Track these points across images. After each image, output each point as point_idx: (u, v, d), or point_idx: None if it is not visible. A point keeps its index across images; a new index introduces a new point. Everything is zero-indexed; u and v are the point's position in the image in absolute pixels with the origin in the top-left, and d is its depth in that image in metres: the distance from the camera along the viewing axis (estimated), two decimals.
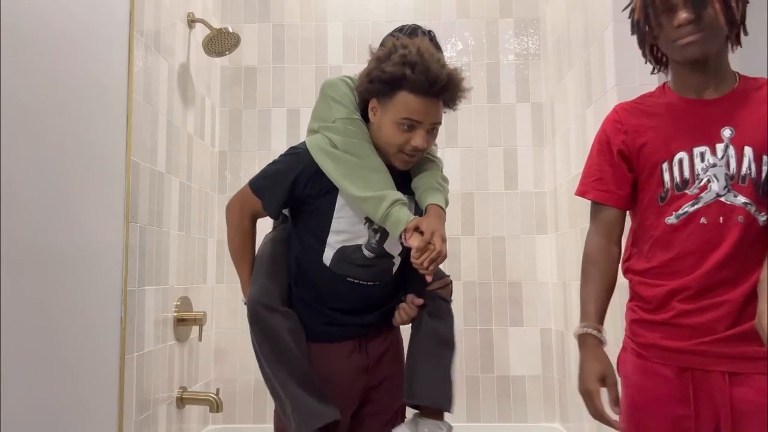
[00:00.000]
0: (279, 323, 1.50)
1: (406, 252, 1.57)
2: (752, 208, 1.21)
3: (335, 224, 1.52)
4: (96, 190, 1.87)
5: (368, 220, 1.53)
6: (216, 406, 2.50)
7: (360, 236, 1.53)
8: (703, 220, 1.23)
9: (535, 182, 3.03)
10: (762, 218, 1.21)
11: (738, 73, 1.30)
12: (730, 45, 1.30)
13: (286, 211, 1.67)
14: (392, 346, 1.66)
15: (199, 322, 2.52)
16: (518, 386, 2.90)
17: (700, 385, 1.21)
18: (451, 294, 1.67)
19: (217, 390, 2.55)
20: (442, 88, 1.44)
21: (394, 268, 1.61)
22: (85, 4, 1.82)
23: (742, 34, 1.29)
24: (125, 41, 2.08)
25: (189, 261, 2.67)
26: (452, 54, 3.14)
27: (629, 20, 1.35)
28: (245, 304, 1.58)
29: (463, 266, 2.99)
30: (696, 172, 1.24)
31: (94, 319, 1.84)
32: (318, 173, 1.50)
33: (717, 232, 1.22)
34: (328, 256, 1.53)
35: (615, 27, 2.03)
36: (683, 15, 1.20)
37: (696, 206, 1.24)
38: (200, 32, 2.81)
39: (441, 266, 1.56)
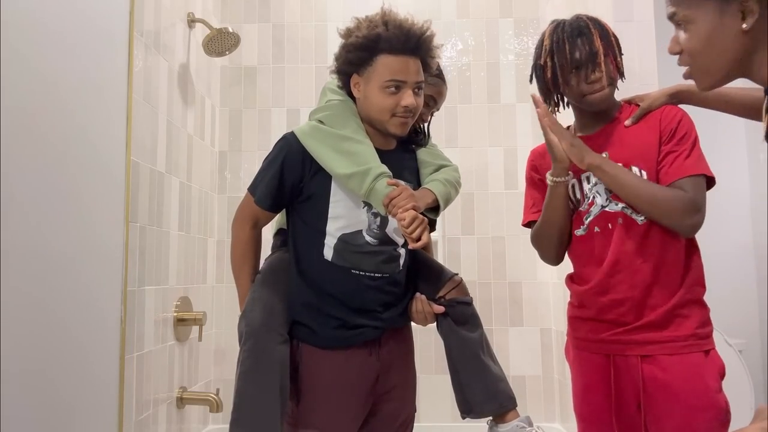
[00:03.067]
0: (277, 357, 1.44)
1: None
2: (629, 211, 1.44)
3: (332, 209, 1.50)
4: (96, 190, 1.87)
5: (366, 204, 1.50)
6: (216, 406, 2.50)
7: (359, 222, 1.51)
8: (596, 228, 1.49)
9: None
10: (640, 218, 1.43)
11: (622, 102, 1.55)
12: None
13: (282, 218, 1.64)
14: (405, 352, 1.64)
15: (199, 322, 2.52)
16: (518, 386, 2.89)
17: (621, 367, 1.44)
18: (467, 291, 1.64)
19: (217, 390, 2.55)
20: (417, 44, 1.47)
21: (401, 260, 1.58)
22: (84, 4, 1.82)
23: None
24: (125, 41, 2.08)
25: (189, 261, 2.67)
26: (452, 54, 3.15)
27: (533, 72, 1.58)
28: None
29: (463, 266, 2.99)
30: (585, 192, 1.51)
31: (94, 319, 1.84)
32: (306, 153, 1.49)
33: (607, 237, 1.47)
34: (329, 250, 1.50)
35: (614, 27, 2.02)
36: (596, 74, 1.44)
37: (589, 219, 1.49)
38: (200, 32, 2.81)
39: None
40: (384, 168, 1.47)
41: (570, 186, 1.52)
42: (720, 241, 1.48)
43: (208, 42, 2.69)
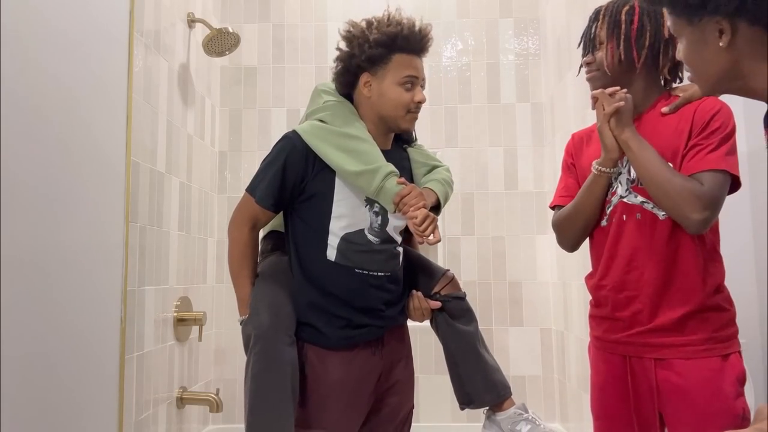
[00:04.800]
0: (287, 359, 1.44)
1: (405, 236, 1.64)
2: (649, 206, 1.40)
3: (336, 208, 1.51)
4: (96, 190, 1.87)
5: (369, 203, 1.53)
6: (216, 406, 2.50)
7: (362, 221, 1.53)
8: (613, 219, 1.45)
9: (535, 182, 3.03)
10: (662, 213, 1.38)
11: (669, 91, 1.48)
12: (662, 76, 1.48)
13: (277, 220, 1.64)
14: (404, 349, 1.66)
15: (199, 322, 2.52)
16: (518, 386, 2.90)
17: (637, 369, 1.42)
18: (459, 286, 1.67)
19: (217, 390, 2.55)
20: (425, 44, 1.57)
21: (400, 258, 1.61)
22: (85, 4, 1.82)
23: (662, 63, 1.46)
24: (125, 41, 2.08)
25: (189, 261, 2.67)
26: (452, 54, 3.15)
27: None
28: (241, 323, 1.52)
29: (463, 266, 2.99)
30: (611, 181, 1.47)
31: (94, 319, 1.84)
32: (309, 152, 1.51)
33: (619, 229, 1.44)
34: (332, 251, 1.51)
35: None
36: (585, 58, 1.51)
37: (609, 209, 1.46)
38: (200, 32, 2.81)
39: (441, 264, 1.57)
40: (392, 167, 1.51)
41: None
42: (720, 240, 1.46)
43: (208, 42, 2.69)
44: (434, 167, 1.70)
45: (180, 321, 2.47)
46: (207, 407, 2.66)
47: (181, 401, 2.50)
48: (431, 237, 1.45)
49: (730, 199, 1.51)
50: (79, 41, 1.79)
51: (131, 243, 2.06)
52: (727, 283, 1.48)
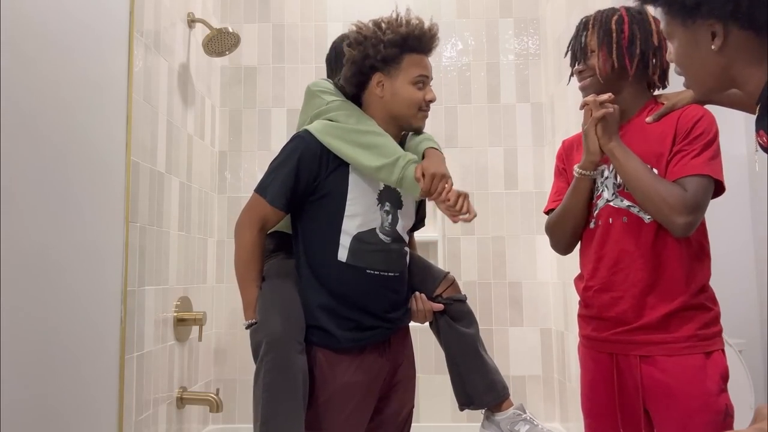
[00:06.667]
0: (299, 367, 1.43)
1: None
2: (635, 210, 1.44)
3: (350, 207, 1.51)
4: (96, 190, 1.87)
5: (380, 201, 1.54)
6: (216, 406, 2.50)
7: (374, 220, 1.53)
8: (599, 222, 1.49)
9: (535, 182, 3.03)
10: (647, 217, 1.42)
11: (655, 98, 1.52)
12: (654, 82, 1.51)
13: (285, 220, 1.62)
14: (408, 350, 1.67)
15: (199, 322, 2.52)
16: (518, 386, 2.90)
17: (623, 367, 1.45)
18: (460, 289, 1.68)
19: (217, 390, 2.56)
20: (433, 44, 1.60)
21: (407, 258, 1.63)
22: (85, 4, 1.82)
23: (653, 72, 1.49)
24: (125, 41, 2.08)
25: (189, 261, 2.67)
26: (452, 54, 3.15)
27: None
28: (247, 328, 1.51)
29: (463, 266, 2.99)
30: (597, 185, 1.51)
31: (94, 319, 1.84)
32: (323, 151, 1.51)
33: (606, 232, 1.48)
34: (343, 251, 1.50)
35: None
36: (577, 66, 1.54)
37: (596, 212, 1.51)
38: (200, 32, 2.81)
39: (439, 265, 1.56)
40: (411, 155, 1.52)
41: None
42: (720, 241, 1.47)
43: (208, 42, 2.69)
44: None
45: (180, 321, 2.47)
46: (207, 407, 2.67)
47: (181, 401, 2.50)
48: (467, 215, 1.47)
49: (729, 200, 1.51)
50: (79, 41, 1.79)
51: (131, 243, 2.06)
52: (727, 283, 1.49)
